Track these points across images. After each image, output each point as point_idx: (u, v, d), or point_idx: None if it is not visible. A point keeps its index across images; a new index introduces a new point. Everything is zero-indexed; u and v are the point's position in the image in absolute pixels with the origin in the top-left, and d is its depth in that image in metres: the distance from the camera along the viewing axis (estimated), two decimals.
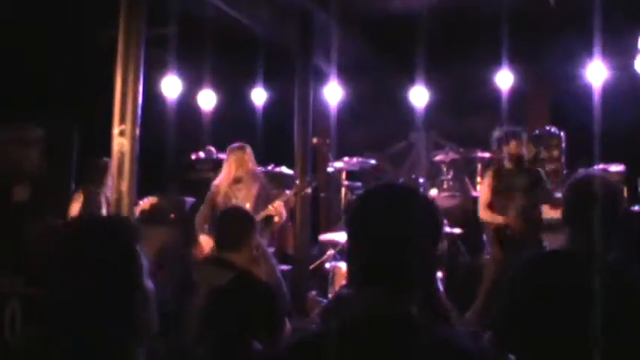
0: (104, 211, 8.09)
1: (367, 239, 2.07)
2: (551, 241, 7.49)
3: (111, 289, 1.90)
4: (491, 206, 7.73)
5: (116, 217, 2.19)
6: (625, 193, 8.78)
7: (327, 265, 8.48)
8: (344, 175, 9.34)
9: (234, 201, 7.51)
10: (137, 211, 7.94)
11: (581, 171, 3.76)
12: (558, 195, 7.75)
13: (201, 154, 10.05)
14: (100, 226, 2.03)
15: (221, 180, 7.78)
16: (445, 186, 9.60)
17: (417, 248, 2.04)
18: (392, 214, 2.05)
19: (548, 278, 3.14)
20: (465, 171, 10.55)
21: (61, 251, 1.94)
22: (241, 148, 7.77)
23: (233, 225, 4.80)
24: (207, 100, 11.93)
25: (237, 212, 5.17)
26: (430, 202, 2.21)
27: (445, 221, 8.27)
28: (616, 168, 8.97)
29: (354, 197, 9.05)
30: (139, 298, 1.94)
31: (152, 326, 1.97)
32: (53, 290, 1.92)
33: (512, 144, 7.83)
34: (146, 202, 8.44)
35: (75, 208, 8.23)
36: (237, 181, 7.66)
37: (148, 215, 8.49)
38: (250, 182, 7.68)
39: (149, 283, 1.98)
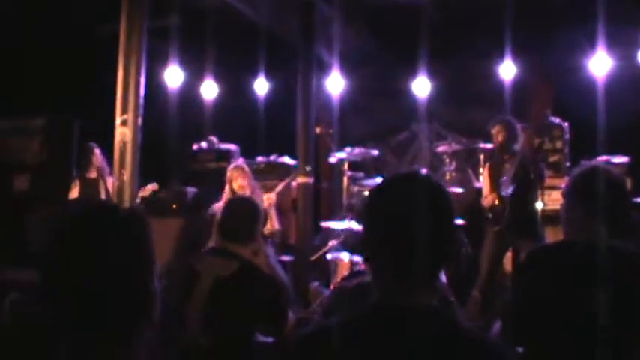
0: (102, 198, 8.12)
1: (382, 229, 2.05)
2: (552, 235, 7.52)
3: (115, 286, 1.85)
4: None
5: (129, 208, 2.11)
6: (629, 185, 8.78)
7: (329, 256, 8.46)
8: (346, 166, 9.30)
9: None
10: (139, 198, 7.94)
11: (584, 163, 3.77)
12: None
13: (204, 145, 10.03)
14: (111, 216, 1.97)
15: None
16: (448, 177, 9.58)
17: (434, 237, 2.01)
18: (411, 204, 2.02)
19: (557, 270, 3.12)
20: (468, 162, 10.54)
21: (64, 240, 1.89)
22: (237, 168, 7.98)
23: (241, 217, 4.75)
24: (209, 90, 11.91)
25: (245, 204, 5.08)
26: (447, 192, 2.17)
27: None
28: (620, 160, 8.94)
29: (356, 189, 9.08)
30: (144, 298, 1.90)
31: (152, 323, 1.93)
32: (54, 281, 1.88)
33: (494, 131, 7.97)
34: (147, 189, 8.43)
35: (73, 195, 8.26)
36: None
37: (150, 206, 8.48)
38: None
39: (156, 283, 1.94)
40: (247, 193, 7.68)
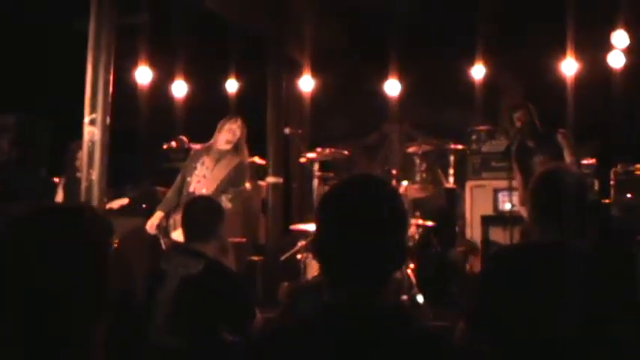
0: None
1: (334, 231, 2.06)
2: None
3: (63, 290, 1.82)
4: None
5: (82, 208, 2.02)
6: (596, 186, 8.84)
7: (299, 256, 8.45)
8: (317, 166, 9.29)
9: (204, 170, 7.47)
10: (107, 207, 7.90)
11: (546, 165, 3.86)
12: None
13: (173, 144, 9.98)
14: (61, 219, 1.93)
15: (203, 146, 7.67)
16: (418, 178, 9.58)
17: (385, 239, 2.03)
18: (359, 207, 2.05)
19: (521, 269, 3.14)
20: (438, 163, 10.56)
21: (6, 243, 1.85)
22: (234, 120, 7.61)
23: (202, 215, 4.77)
24: (179, 89, 11.86)
25: (206, 202, 5.11)
26: (396, 193, 2.21)
27: (417, 213, 8.29)
28: (587, 161, 8.99)
29: (326, 189, 9.06)
30: (96, 300, 1.86)
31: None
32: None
33: (517, 115, 7.73)
34: (116, 202, 8.39)
35: (59, 195, 8.22)
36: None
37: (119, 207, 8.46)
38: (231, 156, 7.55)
39: (111, 284, 1.90)
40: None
